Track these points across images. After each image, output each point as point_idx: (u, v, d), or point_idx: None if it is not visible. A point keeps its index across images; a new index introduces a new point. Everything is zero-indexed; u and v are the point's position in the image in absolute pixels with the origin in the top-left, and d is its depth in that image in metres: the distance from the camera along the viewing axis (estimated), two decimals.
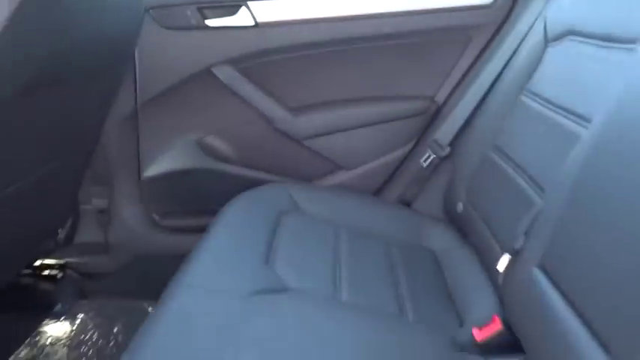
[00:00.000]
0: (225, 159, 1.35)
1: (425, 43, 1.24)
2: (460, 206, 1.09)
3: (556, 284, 0.65)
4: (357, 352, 0.70)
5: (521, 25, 1.12)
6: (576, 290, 0.61)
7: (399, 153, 1.31)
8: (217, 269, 0.82)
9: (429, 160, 1.24)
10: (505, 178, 0.92)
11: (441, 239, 1.15)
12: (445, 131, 1.23)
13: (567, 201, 0.67)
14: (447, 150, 1.22)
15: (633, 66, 0.67)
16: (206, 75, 1.26)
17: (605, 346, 0.53)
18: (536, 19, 1.06)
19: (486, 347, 0.76)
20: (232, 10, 1.24)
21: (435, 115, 1.28)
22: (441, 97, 1.27)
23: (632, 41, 0.71)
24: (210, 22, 1.24)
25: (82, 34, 0.90)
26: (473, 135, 1.14)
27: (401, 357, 0.73)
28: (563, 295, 0.63)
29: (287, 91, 1.29)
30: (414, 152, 1.31)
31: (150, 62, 1.24)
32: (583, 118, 0.74)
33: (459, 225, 1.14)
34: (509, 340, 0.75)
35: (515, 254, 0.77)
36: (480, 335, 0.77)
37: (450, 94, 1.26)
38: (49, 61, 0.79)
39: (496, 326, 0.77)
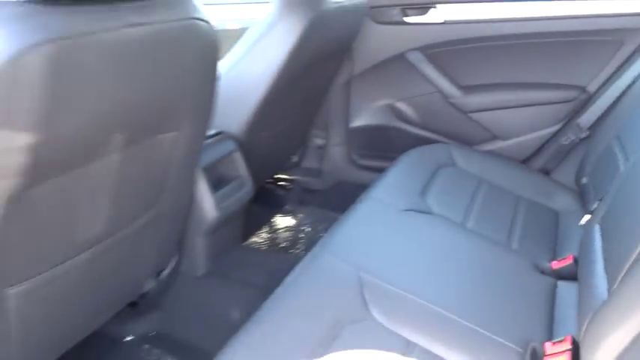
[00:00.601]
0: (407, 121, 1.81)
1: (584, 42, 1.49)
2: (584, 180, 1.38)
3: (602, 235, 0.98)
4: (466, 261, 1.13)
5: None
6: (606, 240, 0.94)
7: (547, 131, 1.61)
8: (388, 192, 1.31)
9: (570, 139, 1.52)
10: (613, 160, 1.20)
11: (565, 204, 1.45)
12: (587, 117, 1.49)
13: (626, 175, 0.98)
14: (586, 133, 1.48)
15: None
16: (401, 58, 1.72)
17: (608, 281, 0.85)
18: None
19: (557, 274, 1.12)
20: (425, 10, 1.65)
21: (583, 103, 1.53)
22: (592, 88, 1.51)
23: None
24: (408, 19, 1.68)
25: (334, 33, 1.45)
26: (606, 124, 1.38)
27: (494, 269, 1.13)
28: (602, 243, 0.96)
29: (461, 74, 1.68)
30: (560, 132, 1.58)
31: (362, 46, 1.75)
32: None
33: (583, 195, 1.42)
34: (575, 272, 1.09)
35: (591, 214, 1.09)
36: (555, 265, 1.13)
37: (600, 87, 1.49)
38: (316, 51, 1.36)
39: (568, 261, 1.11)
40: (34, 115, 0.61)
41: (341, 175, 1.95)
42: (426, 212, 1.28)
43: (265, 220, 1.91)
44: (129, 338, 1.31)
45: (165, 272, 1.30)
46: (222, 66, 1.36)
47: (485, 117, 1.68)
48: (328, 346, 0.82)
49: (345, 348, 0.83)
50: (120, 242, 0.97)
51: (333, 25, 1.43)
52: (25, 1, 0.59)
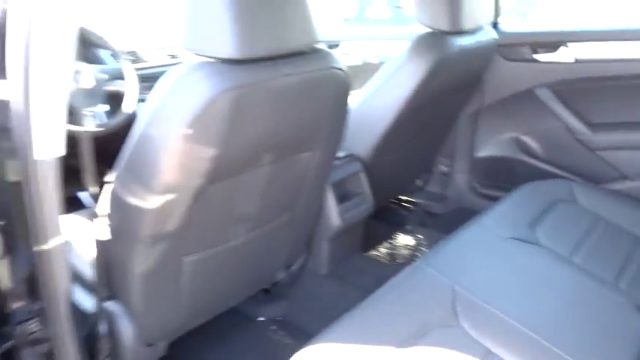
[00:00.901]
0: (532, 154, 1.86)
1: None
2: None
3: None
4: (563, 292, 1.18)
5: None
6: None
7: None
8: (496, 220, 1.41)
9: None
10: None
11: None
12: None
13: None
14: None
15: None
16: (529, 93, 1.79)
17: None
18: None
19: None
20: (554, 48, 1.71)
21: None
22: None
23: None
24: (538, 57, 1.75)
25: (461, 69, 1.60)
26: None
27: (592, 304, 1.16)
28: None
29: (589, 111, 1.69)
30: None
31: (491, 80, 1.85)
32: None
33: None
34: None
35: None
36: None
37: None
38: (441, 86, 1.52)
39: None
40: (219, 138, 0.90)
41: (462, 202, 2.06)
42: (532, 242, 1.35)
43: (386, 236, 2.09)
44: (260, 319, 1.59)
45: (294, 267, 1.57)
46: (358, 97, 1.60)
47: (614, 156, 1.66)
48: (414, 342, 0.97)
49: (429, 346, 0.98)
50: (262, 236, 1.25)
51: (460, 62, 1.58)
52: (219, 62, 0.89)
